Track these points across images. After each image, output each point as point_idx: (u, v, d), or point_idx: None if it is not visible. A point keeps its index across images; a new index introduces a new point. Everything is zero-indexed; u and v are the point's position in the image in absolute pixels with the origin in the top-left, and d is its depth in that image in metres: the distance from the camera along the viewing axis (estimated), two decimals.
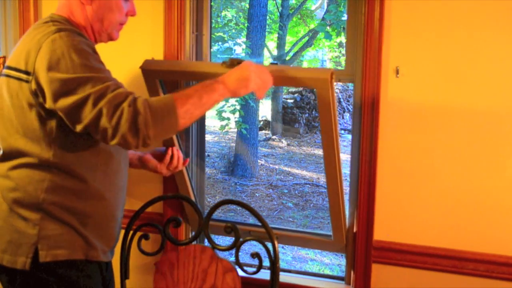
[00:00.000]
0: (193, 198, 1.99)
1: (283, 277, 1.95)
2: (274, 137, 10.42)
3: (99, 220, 1.48)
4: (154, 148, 1.81)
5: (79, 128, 1.30)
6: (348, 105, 11.36)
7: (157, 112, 1.28)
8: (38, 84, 1.33)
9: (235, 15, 9.54)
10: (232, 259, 1.76)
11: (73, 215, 1.42)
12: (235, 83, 1.43)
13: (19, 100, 1.38)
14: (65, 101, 1.29)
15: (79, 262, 1.43)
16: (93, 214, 1.46)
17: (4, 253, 1.41)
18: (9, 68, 1.42)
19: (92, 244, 1.46)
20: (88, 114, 1.27)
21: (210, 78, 1.42)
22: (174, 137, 1.84)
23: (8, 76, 1.41)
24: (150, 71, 1.74)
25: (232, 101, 7.45)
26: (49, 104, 1.32)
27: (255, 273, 1.69)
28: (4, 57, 2.07)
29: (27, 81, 1.35)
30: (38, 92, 1.34)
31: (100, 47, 1.52)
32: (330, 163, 1.69)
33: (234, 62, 1.54)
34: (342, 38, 9.49)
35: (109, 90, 1.28)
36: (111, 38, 1.57)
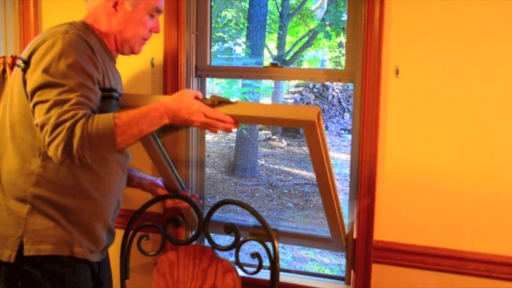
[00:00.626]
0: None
1: (283, 277, 1.95)
2: (274, 137, 10.42)
3: (84, 219, 1.48)
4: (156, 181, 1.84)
5: (35, 122, 1.35)
6: (348, 105, 11.37)
7: (94, 138, 1.31)
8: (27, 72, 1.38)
9: (235, 15, 9.54)
10: (232, 259, 1.76)
11: (59, 210, 1.43)
12: (172, 100, 1.44)
13: (19, 88, 1.41)
14: (35, 97, 1.34)
15: (65, 258, 1.44)
16: (78, 212, 1.46)
17: None
18: (20, 59, 1.46)
19: (78, 242, 1.46)
20: (41, 115, 1.31)
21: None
22: (171, 172, 1.83)
23: (18, 66, 1.45)
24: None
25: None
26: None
27: (255, 273, 1.69)
28: (4, 57, 2.07)
29: (24, 70, 1.39)
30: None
31: None
32: (324, 188, 1.64)
33: (215, 101, 1.46)
34: (342, 38, 9.50)
35: (67, 104, 1.31)
36: (133, 51, 1.59)
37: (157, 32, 1.61)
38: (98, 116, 1.33)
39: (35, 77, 1.34)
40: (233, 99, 1.46)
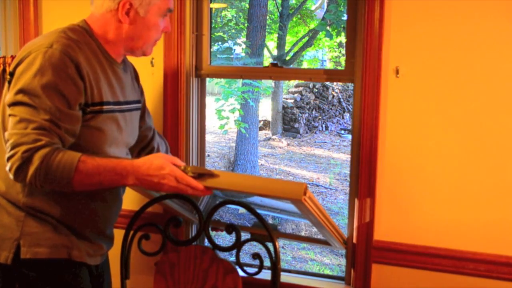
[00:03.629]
0: None
1: (284, 277, 1.95)
2: (274, 137, 10.42)
3: (79, 228, 1.47)
4: None
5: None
6: (348, 105, 11.37)
7: (51, 174, 1.27)
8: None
9: (235, 15, 9.54)
10: (233, 259, 1.76)
11: (53, 218, 1.42)
12: (142, 162, 1.34)
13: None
14: (9, 110, 1.32)
15: (63, 260, 1.43)
16: (72, 221, 1.45)
17: None
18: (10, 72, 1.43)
19: (76, 245, 1.45)
20: (9, 129, 1.30)
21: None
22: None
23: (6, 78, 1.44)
24: None
25: (232, 100, 7.45)
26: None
27: (256, 273, 1.68)
28: (4, 57, 2.07)
29: (9, 82, 1.38)
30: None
31: None
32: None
33: (196, 174, 1.38)
34: (342, 38, 9.50)
35: (30, 127, 1.27)
36: (144, 54, 1.55)
37: (168, 32, 1.57)
38: (64, 153, 1.28)
39: (11, 93, 1.32)
40: (215, 170, 1.38)
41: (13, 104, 1.31)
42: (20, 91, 1.30)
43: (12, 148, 1.27)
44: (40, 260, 1.40)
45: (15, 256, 1.39)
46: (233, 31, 9.01)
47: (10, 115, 1.31)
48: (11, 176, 1.29)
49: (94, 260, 1.52)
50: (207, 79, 2.15)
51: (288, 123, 10.64)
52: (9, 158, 1.28)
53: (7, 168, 1.29)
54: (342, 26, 7.80)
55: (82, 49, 1.39)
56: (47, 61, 1.31)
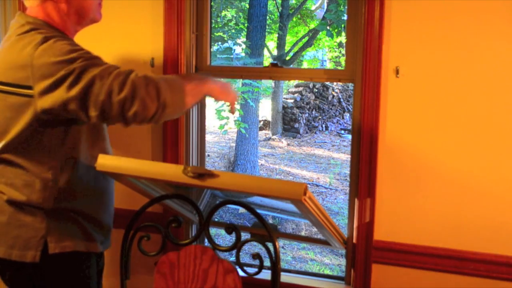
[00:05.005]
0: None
1: (283, 277, 1.95)
2: (274, 137, 10.42)
3: (95, 213, 1.54)
4: None
5: (94, 114, 1.31)
6: (348, 105, 11.37)
7: (169, 83, 1.36)
8: (40, 93, 1.33)
9: (235, 15, 9.54)
10: (232, 259, 1.76)
11: (73, 211, 1.49)
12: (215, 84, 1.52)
13: (22, 111, 1.37)
14: (73, 92, 1.30)
15: (82, 253, 1.51)
16: (90, 208, 1.53)
17: (12, 248, 1.46)
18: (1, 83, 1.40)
19: (92, 237, 1.53)
20: (99, 94, 1.29)
21: (169, 181, 1.44)
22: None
23: (2, 91, 1.40)
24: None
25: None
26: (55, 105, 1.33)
27: (256, 273, 1.69)
28: None
29: (28, 96, 1.34)
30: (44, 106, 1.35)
31: (100, 48, 1.52)
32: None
33: (196, 174, 1.40)
34: (342, 38, 9.50)
35: (111, 68, 1.31)
36: (94, 21, 1.55)
37: None
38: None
39: (50, 76, 1.31)
40: (215, 170, 1.41)
41: (69, 81, 1.29)
42: (64, 71, 1.30)
43: (124, 83, 1.29)
44: (65, 253, 1.46)
45: (42, 253, 1.44)
46: (233, 31, 9.01)
47: (83, 92, 1.29)
48: (146, 103, 1.30)
49: (105, 245, 1.60)
50: None
51: (288, 123, 10.64)
52: (132, 93, 1.29)
53: (135, 107, 1.29)
54: (342, 26, 7.79)
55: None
56: (55, 47, 1.33)
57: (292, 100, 10.76)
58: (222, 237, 5.48)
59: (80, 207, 1.50)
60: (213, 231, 5.10)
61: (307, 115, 10.85)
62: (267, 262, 1.74)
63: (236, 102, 1.61)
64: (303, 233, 5.52)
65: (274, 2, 9.30)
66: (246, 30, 8.30)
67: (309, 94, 10.97)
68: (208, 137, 9.66)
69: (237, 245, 1.67)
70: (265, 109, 11.05)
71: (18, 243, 1.45)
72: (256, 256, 1.67)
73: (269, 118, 10.84)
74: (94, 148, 1.52)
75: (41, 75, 1.32)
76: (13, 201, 1.45)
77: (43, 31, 1.40)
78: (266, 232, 1.65)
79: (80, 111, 1.32)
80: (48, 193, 1.44)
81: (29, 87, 1.34)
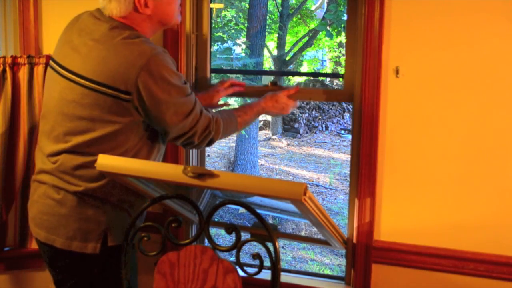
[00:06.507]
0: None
1: (284, 277, 1.95)
2: (274, 137, 10.43)
3: (140, 206, 1.61)
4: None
5: (171, 138, 1.58)
6: (348, 105, 11.37)
7: (227, 126, 1.68)
8: (140, 101, 1.46)
9: (235, 15, 9.54)
10: (232, 259, 1.76)
11: (125, 203, 1.61)
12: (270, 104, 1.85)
13: (110, 112, 1.48)
14: (177, 118, 1.52)
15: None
16: (137, 201, 1.64)
17: (72, 240, 1.54)
18: (95, 82, 1.46)
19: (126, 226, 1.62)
20: (185, 129, 1.55)
21: (169, 181, 1.48)
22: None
23: (95, 90, 1.47)
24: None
25: (230, 100, 7.44)
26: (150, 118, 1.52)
27: (256, 273, 1.69)
28: (4, 57, 2.06)
29: (127, 100, 1.46)
30: (139, 109, 1.48)
31: None
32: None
33: (195, 174, 1.44)
34: (342, 38, 9.50)
35: (201, 115, 1.57)
36: (176, 24, 1.70)
37: None
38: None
39: (169, 105, 1.51)
40: (215, 170, 1.42)
41: (181, 113, 1.54)
42: (180, 103, 1.54)
43: (202, 134, 1.60)
44: (117, 246, 1.56)
45: (101, 245, 1.55)
46: (233, 31, 9.01)
47: (184, 124, 1.56)
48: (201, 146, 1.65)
49: None
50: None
51: (288, 123, 10.64)
52: (201, 143, 1.62)
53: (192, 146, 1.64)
54: (342, 26, 7.79)
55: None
56: (162, 65, 1.48)
57: None
58: (222, 237, 5.48)
59: (129, 199, 1.60)
60: (213, 231, 5.10)
61: (307, 115, 10.85)
62: (267, 262, 1.74)
63: (292, 108, 1.91)
64: (303, 233, 5.52)
65: (274, 2, 9.30)
66: (246, 30, 8.30)
67: None
68: None
69: (237, 245, 1.67)
70: None
71: (78, 235, 1.54)
72: (256, 256, 1.67)
73: (269, 118, 10.85)
74: (149, 153, 1.63)
75: (149, 87, 1.48)
76: (80, 192, 1.52)
77: (152, 45, 1.49)
78: (266, 232, 1.65)
79: (169, 132, 1.58)
80: (115, 187, 1.54)
81: (128, 93, 1.45)
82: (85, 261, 1.57)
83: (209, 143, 1.65)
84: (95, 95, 1.47)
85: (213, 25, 8.43)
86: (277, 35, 9.92)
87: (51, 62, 1.63)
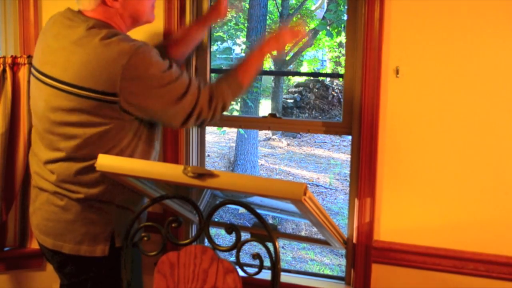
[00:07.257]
0: None
1: (283, 277, 1.95)
2: (274, 137, 10.43)
3: (138, 206, 1.64)
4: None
5: (178, 123, 1.55)
6: None
7: (232, 89, 1.62)
8: (129, 103, 1.46)
9: (235, 15, 9.54)
10: (232, 259, 1.76)
11: (129, 203, 1.61)
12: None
13: (98, 115, 1.46)
14: (176, 106, 1.50)
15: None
16: (137, 202, 1.65)
17: (80, 244, 1.54)
18: (79, 87, 1.45)
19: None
20: (186, 109, 1.52)
21: (169, 181, 1.48)
22: None
23: (80, 96, 1.45)
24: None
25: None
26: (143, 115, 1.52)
27: (256, 273, 1.69)
28: (4, 57, 2.06)
29: (114, 102, 1.44)
30: (129, 108, 1.47)
31: None
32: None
33: (195, 174, 1.41)
34: (342, 38, 9.50)
35: (200, 90, 1.53)
36: (148, 22, 1.65)
37: None
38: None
39: (156, 97, 1.50)
40: (215, 170, 1.42)
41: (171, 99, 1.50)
42: (166, 90, 1.49)
43: (209, 106, 1.57)
44: (119, 247, 1.56)
45: (109, 247, 1.55)
46: (233, 31, 9.01)
47: (179, 109, 1.52)
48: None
49: None
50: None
51: None
52: (213, 116, 1.59)
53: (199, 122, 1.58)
54: (342, 26, 7.79)
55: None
56: (145, 59, 1.46)
57: (292, 100, 10.76)
58: (222, 237, 5.48)
59: (132, 197, 1.61)
60: (213, 231, 5.10)
61: (307, 115, 10.85)
62: (267, 262, 1.74)
63: (299, 38, 1.79)
64: (303, 233, 5.52)
65: (274, 2, 9.29)
66: (246, 30, 8.29)
67: (309, 94, 10.98)
68: (208, 137, 9.66)
69: (237, 245, 1.67)
70: (265, 109, 11.05)
71: (86, 239, 1.54)
72: (256, 256, 1.67)
73: None
74: (149, 147, 1.62)
75: (133, 86, 1.47)
76: (82, 199, 1.52)
77: (134, 41, 1.48)
78: (266, 232, 1.65)
79: (165, 122, 1.59)
80: (116, 188, 1.54)
81: (114, 94, 1.44)
82: (93, 264, 1.57)
83: (223, 111, 1.62)
84: (81, 100, 1.45)
85: (213, 25, 8.42)
86: None
87: (32, 70, 1.61)
